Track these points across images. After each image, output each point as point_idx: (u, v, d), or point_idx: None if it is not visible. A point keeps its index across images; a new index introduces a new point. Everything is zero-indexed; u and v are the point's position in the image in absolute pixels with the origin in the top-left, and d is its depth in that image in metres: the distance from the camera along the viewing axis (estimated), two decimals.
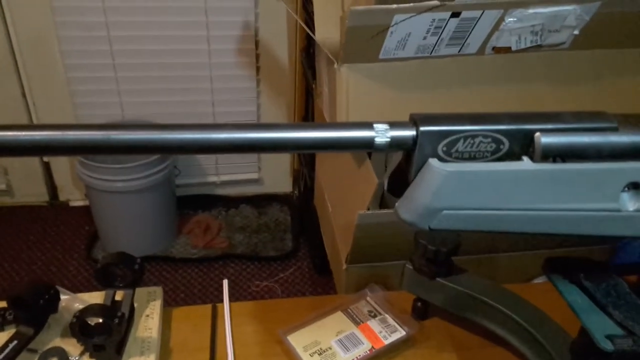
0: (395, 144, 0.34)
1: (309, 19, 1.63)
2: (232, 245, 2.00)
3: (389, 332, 0.65)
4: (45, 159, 2.01)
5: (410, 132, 0.34)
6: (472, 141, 0.34)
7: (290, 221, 2.13)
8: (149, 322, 0.65)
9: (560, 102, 1.00)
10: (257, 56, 1.93)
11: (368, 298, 0.70)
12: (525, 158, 0.35)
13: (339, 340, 0.64)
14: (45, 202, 2.10)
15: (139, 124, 0.34)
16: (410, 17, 0.83)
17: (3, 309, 0.63)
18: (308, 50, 1.68)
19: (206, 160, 2.10)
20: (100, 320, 0.58)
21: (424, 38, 0.89)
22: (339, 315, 0.67)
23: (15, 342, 0.58)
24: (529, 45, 0.93)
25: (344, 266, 1.11)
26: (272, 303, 0.74)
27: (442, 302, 0.64)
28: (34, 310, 0.60)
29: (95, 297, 0.67)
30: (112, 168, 1.69)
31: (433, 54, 0.94)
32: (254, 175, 2.18)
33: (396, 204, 0.36)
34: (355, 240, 1.01)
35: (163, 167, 1.77)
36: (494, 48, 0.94)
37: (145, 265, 0.68)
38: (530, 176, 0.35)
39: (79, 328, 0.57)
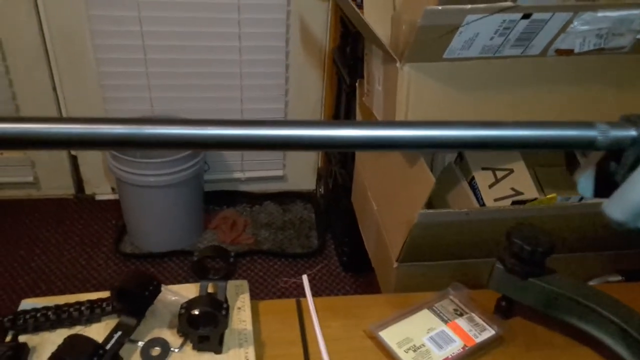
0: (614, 144, 0.34)
1: (345, 17, 1.64)
2: (258, 241, 2.01)
3: (478, 330, 0.66)
4: (73, 152, 2.01)
5: (630, 132, 0.34)
6: None
7: (315, 219, 2.13)
8: (241, 314, 0.66)
9: (619, 105, 1.01)
10: (287, 54, 1.94)
11: (451, 296, 0.71)
12: None
13: (430, 337, 0.65)
14: (71, 195, 2.10)
15: (189, 120, 0.35)
16: (482, 17, 0.84)
17: (100, 300, 0.63)
18: (343, 48, 1.68)
19: (232, 156, 2.10)
20: (197, 312, 0.59)
21: (491, 39, 0.90)
22: (426, 313, 0.68)
23: (119, 332, 0.58)
24: (591, 48, 0.94)
25: (395, 264, 1.12)
26: (353, 299, 0.75)
27: (533, 302, 0.65)
28: (138, 302, 0.60)
29: (188, 289, 0.68)
30: (145, 162, 1.70)
31: (496, 54, 0.95)
32: (279, 173, 2.19)
33: (604, 203, 0.37)
34: (411, 238, 1.02)
35: (194, 162, 1.77)
36: (556, 50, 0.95)
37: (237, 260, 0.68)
38: None
39: (187, 319, 0.57)
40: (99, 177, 2.09)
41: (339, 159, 1.82)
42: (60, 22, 1.76)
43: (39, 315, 0.60)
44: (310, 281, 2.00)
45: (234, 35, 1.85)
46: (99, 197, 2.12)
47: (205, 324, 0.58)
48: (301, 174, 2.22)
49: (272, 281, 1.86)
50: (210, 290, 0.65)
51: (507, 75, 0.98)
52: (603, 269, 1.08)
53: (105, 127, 0.34)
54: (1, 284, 1.72)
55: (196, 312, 0.57)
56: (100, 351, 0.53)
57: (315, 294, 1.97)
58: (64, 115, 1.93)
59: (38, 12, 1.73)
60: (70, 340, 0.53)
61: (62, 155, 2.01)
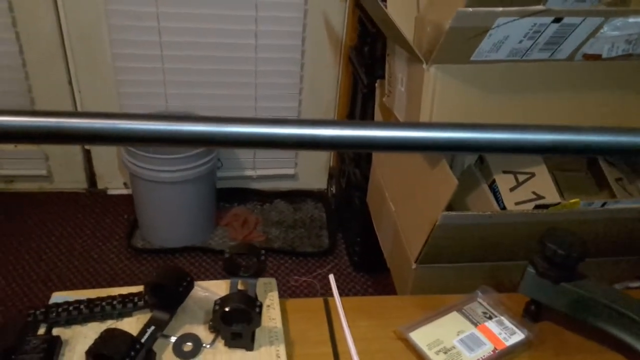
0: None
1: (364, 17, 1.64)
2: (269, 239, 2.01)
3: (508, 334, 0.66)
4: (87, 147, 2.02)
5: None
6: None
7: (326, 218, 2.13)
8: (271, 312, 0.66)
9: None
10: (303, 52, 1.93)
11: (480, 299, 0.71)
12: None
13: (461, 340, 0.65)
14: (83, 189, 2.10)
15: (219, 118, 0.35)
16: (513, 20, 0.84)
17: (131, 294, 0.64)
18: (361, 48, 1.68)
19: (245, 154, 2.11)
20: (231, 309, 0.59)
21: (520, 42, 0.90)
22: (455, 316, 0.68)
23: (152, 327, 0.58)
24: (620, 53, 0.94)
25: (413, 265, 1.11)
26: (379, 299, 0.75)
27: (564, 307, 0.65)
28: (172, 297, 0.61)
29: (218, 286, 0.68)
30: (160, 158, 1.70)
31: (524, 57, 0.94)
32: (290, 171, 2.19)
33: None
34: (432, 240, 1.01)
35: (209, 159, 1.78)
36: (584, 55, 0.95)
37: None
38: None
39: (221, 315, 0.57)
40: (112, 172, 2.09)
41: (353, 159, 1.82)
42: (78, 16, 1.76)
43: (71, 308, 0.61)
44: (320, 280, 2.00)
45: (251, 32, 1.85)
46: (110, 192, 2.13)
47: (238, 320, 0.58)
48: (312, 172, 2.22)
49: (283, 279, 1.86)
50: (240, 287, 0.65)
51: (532, 79, 0.98)
52: (623, 275, 1.08)
53: (140, 123, 0.34)
54: (13, 277, 1.73)
55: (230, 308, 0.57)
56: (137, 345, 0.53)
57: (326, 293, 1.98)
58: (79, 109, 1.93)
59: (56, 6, 1.73)
60: (107, 334, 0.53)
61: (75, 150, 2.02)
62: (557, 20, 0.85)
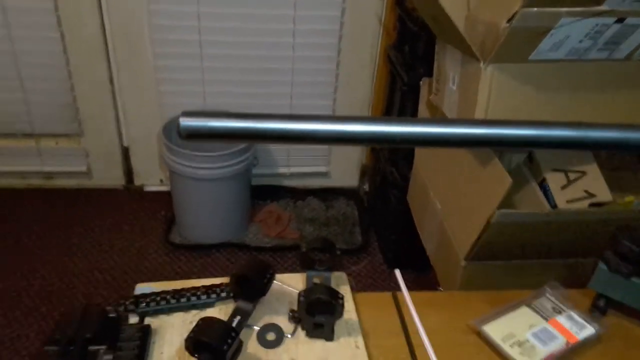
0: None
1: (405, 16, 1.65)
2: (303, 236, 2.03)
3: (578, 328, 0.67)
4: (125, 143, 2.06)
5: None
6: None
7: (358, 215, 2.15)
8: (346, 304, 0.68)
9: None
10: (339, 51, 1.95)
11: (548, 294, 0.72)
12: None
13: (533, 333, 0.66)
14: (121, 185, 2.15)
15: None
16: (577, 20, 0.84)
17: (214, 285, 0.66)
18: (400, 47, 1.69)
19: (279, 151, 2.13)
20: (316, 300, 0.61)
21: (580, 41, 0.91)
22: (525, 310, 0.70)
23: (238, 317, 0.60)
24: None
25: (463, 263, 1.13)
26: (445, 295, 0.76)
27: (634, 302, 0.66)
28: (256, 288, 0.63)
29: (295, 279, 0.70)
30: (200, 156, 1.73)
31: (582, 57, 0.95)
32: (323, 169, 2.21)
33: None
34: (486, 237, 1.03)
35: (246, 157, 1.80)
36: None
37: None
38: None
39: (306, 306, 0.59)
40: (149, 169, 2.13)
41: (389, 157, 1.83)
42: (121, 15, 1.80)
43: (159, 298, 0.63)
44: (355, 277, 2.02)
45: (289, 31, 1.87)
46: (147, 189, 2.17)
47: (321, 311, 0.60)
48: (345, 170, 2.24)
49: None
50: (317, 280, 0.67)
51: (590, 79, 0.99)
52: None
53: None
54: (56, 272, 1.77)
55: (315, 300, 0.59)
56: (233, 333, 0.55)
57: (360, 289, 1.99)
58: (120, 107, 1.98)
59: (100, 6, 1.77)
60: (204, 322, 0.55)
61: (114, 146, 2.06)
62: (620, 20, 0.86)
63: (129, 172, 2.14)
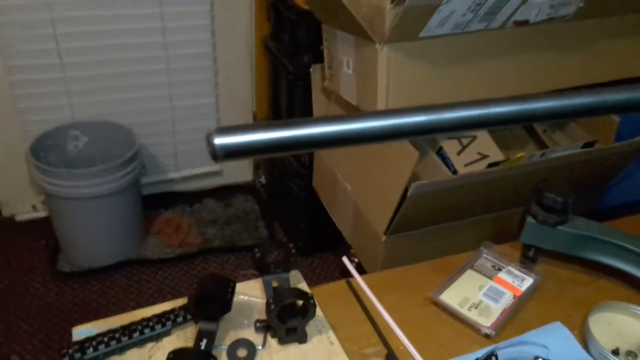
0: None
1: (279, 5, 1.63)
2: (207, 239, 1.96)
3: (520, 281, 0.72)
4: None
5: None
6: None
7: (259, 209, 2.12)
8: None
9: (566, 69, 1.13)
10: (214, 45, 1.89)
11: (485, 255, 0.77)
12: None
13: (484, 294, 0.70)
14: None
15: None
16: None
17: (165, 312, 0.60)
18: (279, 36, 1.68)
19: (165, 155, 2.02)
20: (288, 305, 0.58)
21: (463, 15, 0.97)
22: (471, 273, 0.74)
23: (205, 340, 0.56)
24: (544, 18, 1.05)
25: (383, 238, 1.16)
26: (393, 272, 0.78)
27: (561, 247, 0.73)
28: (219, 305, 0.59)
29: (251, 286, 0.67)
30: (79, 173, 1.58)
31: (465, 30, 1.02)
32: (216, 167, 2.14)
33: None
34: (404, 210, 1.07)
35: (133, 166, 1.68)
36: (515, 22, 1.04)
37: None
38: None
39: (277, 314, 0.57)
40: (17, 196, 1.90)
41: None
42: None
43: (107, 339, 0.56)
44: None
45: (158, 30, 1.77)
46: (19, 218, 1.94)
47: (293, 315, 0.58)
48: (237, 166, 2.19)
49: (231, 276, 1.83)
50: (275, 284, 0.65)
51: (473, 50, 1.06)
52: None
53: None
54: None
55: (287, 305, 0.57)
56: (211, 359, 0.51)
57: None
58: None
59: None
60: (175, 356, 0.50)
61: None
62: None
63: None
